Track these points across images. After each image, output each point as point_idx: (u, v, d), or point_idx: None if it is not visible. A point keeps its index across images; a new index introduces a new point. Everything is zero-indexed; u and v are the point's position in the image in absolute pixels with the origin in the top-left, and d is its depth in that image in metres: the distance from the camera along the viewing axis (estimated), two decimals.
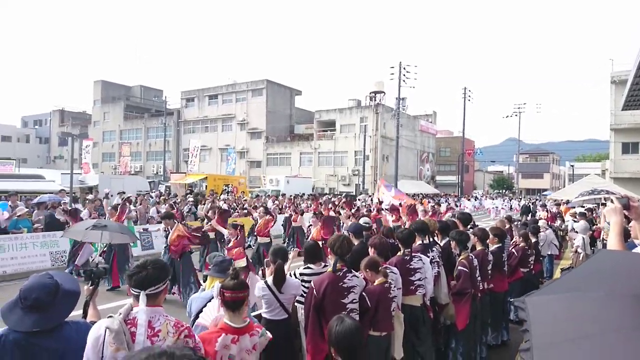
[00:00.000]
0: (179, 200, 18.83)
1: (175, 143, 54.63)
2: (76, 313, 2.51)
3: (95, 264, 3.24)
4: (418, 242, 4.96)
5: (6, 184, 15.17)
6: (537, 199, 40.07)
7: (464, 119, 46.96)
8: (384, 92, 45.29)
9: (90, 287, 2.82)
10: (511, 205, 33.77)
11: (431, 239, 5.35)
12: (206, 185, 28.09)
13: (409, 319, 4.28)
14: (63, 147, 62.66)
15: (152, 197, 18.69)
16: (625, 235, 3.76)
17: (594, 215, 12.17)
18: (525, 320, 1.02)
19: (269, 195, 26.98)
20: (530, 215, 16.29)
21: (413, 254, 4.49)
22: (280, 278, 3.45)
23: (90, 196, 14.72)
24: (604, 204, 2.08)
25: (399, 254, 4.52)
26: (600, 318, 0.94)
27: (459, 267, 4.84)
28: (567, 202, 16.70)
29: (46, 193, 13.57)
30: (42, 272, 2.43)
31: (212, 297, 3.01)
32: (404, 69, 36.59)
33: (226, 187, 27.82)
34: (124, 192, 16.17)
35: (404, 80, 36.57)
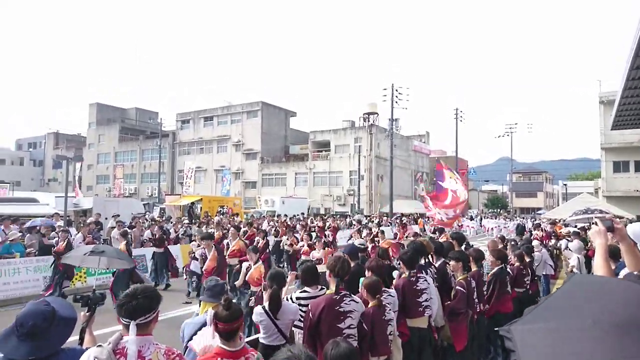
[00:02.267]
0: (174, 222, 18.73)
1: (170, 165, 54.60)
2: (72, 339, 2.50)
3: (93, 289, 3.23)
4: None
5: (0, 208, 15.05)
6: (532, 218, 40.14)
7: (457, 139, 47.52)
8: (377, 113, 45.83)
9: (87, 313, 2.81)
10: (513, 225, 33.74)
11: (426, 260, 5.39)
12: (201, 207, 27.96)
13: (417, 342, 4.26)
14: (57, 169, 62.39)
15: (147, 220, 18.58)
16: (616, 254, 3.82)
17: (587, 234, 12.25)
18: (514, 351, 1.02)
19: (264, 215, 26.89)
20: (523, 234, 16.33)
21: (418, 275, 4.49)
22: (275, 304, 3.43)
23: (91, 219, 14.61)
24: (596, 224, 2.11)
25: (403, 275, 4.51)
26: (590, 349, 0.95)
27: (457, 287, 4.86)
28: (561, 220, 16.80)
29: (40, 217, 13.47)
30: (36, 297, 2.44)
31: (205, 323, 3.00)
32: (396, 90, 37.13)
33: (221, 209, 27.70)
34: (118, 215, 16.07)
35: (396, 102, 37.07)
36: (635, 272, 2.03)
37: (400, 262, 4.66)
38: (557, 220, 18.95)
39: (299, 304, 3.80)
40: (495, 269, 5.79)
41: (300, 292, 3.98)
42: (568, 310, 1.11)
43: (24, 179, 61.94)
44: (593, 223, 2.20)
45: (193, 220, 21.08)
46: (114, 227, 13.60)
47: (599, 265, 2.06)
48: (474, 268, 5.41)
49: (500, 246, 7.80)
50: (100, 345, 2.13)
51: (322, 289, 4.06)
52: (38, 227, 11.57)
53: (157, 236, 11.91)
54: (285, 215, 24.46)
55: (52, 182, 64.27)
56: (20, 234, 10.98)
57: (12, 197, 20.74)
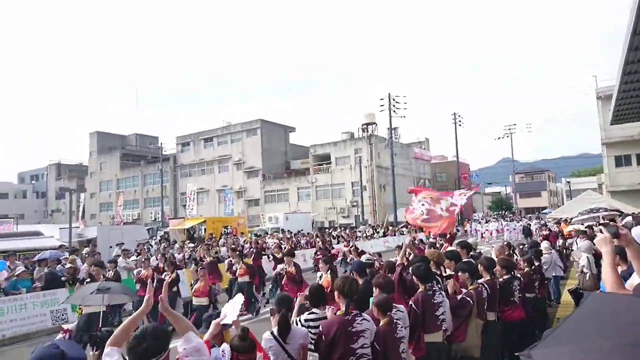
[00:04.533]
0: (178, 246, 18.70)
1: (173, 188, 54.76)
2: None
3: (99, 328, 3.20)
4: None
5: (5, 243, 15.04)
6: (536, 218, 39.92)
7: (457, 144, 47.55)
8: (375, 123, 46.05)
9: (96, 353, 2.79)
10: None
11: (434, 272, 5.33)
12: (205, 229, 27.94)
13: (434, 357, 4.23)
14: (60, 200, 62.68)
15: (152, 246, 18.54)
16: (624, 255, 3.77)
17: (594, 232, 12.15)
18: None
19: (267, 232, 26.83)
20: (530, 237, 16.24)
21: (434, 289, 4.46)
22: (284, 328, 3.38)
23: (85, 249, 14.57)
24: (601, 231, 2.11)
25: (420, 290, 4.46)
26: None
27: (464, 296, 4.82)
28: (566, 220, 16.72)
29: (45, 250, 13.46)
30: (43, 332, 2.42)
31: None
32: (394, 99, 37.40)
33: (225, 229, 27.68)
34: (122, 243, 16.05)
35: (394, 111, 37.31)
36: None
37: (415, 277, 4.61)
38: (562, 220, 18.84)
39: (308, 326, 3.74)
40: (501, 279, 5.73)
41: (308, 313, 3.93)
42: (586, 333, 1.11)
43: (27, 212, 62.12)
44: (599, 230, 2.19)
45: (196, 243, 21.03)
46: (119, 256, 13.56)
47: (607, 275, 2.05)
48: (486, 277, 5.33)
49: (506, 252, 7.73)
50: None
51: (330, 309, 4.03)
52: (47, 261, 11.56)
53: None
54: (289, 232, 24.40)
55: (56, 212, 64.47)
56: (26, 269, 10.95)
57: (16, 232, 20.73)
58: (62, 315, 10.08)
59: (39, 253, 13.25)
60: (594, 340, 1.05)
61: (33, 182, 72.61)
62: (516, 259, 7.29)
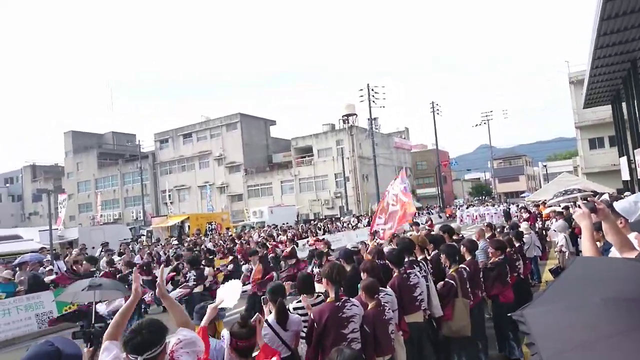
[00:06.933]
0: (162, 244, 18.52)
1: (153, 186, 53.93)
2: None
3: (92, 324, 3.20)
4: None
5: None
6: (513, 203, 40.86)
7: (436, 132, 48.03)
8: (356, 114, 46.19)
9: (90, 349, 2.79)
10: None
11: (416, 256, 5.47)
12: (189, 226, 27.71)
13: (417, 337, 4.34)
14: (37, 202, 61.03)
15: (137, 244, 18.30)
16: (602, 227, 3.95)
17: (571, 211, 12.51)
18: (528, 333, 1.06)
19: (252, 227, 26.80)
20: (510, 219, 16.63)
21: (409, 271, 4.57)
22: (283, 316, 3.46)
23: (75, 251, 14.33)
24: (579, 206, 2.22)
25: (395, 274, 4.58)
26: (603, 323, 0.99)
27: (447, 279, 4.97)
28: (544, 202, 17.19)
29: (26, 253, 13.17)
30: (29, 336, 2.42)
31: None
32: (373, 90, 37.53)
33: (209, 225, 27.53)
34: (107, 243, 15.82)
35: (373, 101, 37.45)
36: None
37: (389, 262, 4.74)
38: (540, 202, 19.36)
39: (297, 314, 3.82)
40: (496, 259, 5.89)
41: (297, 302, 4.01)
42: (575, 291, 1.15)
43: (3, 216, 60.40)
44: (577, 206, 2.29)
45: (182, 241, 20.86)
46: (103, 257, 13.38)
47: (587, 247, 2.15)
48: (468, 258, 5.49)
49: (488, 234, 7.93)
50: None
51: (317, 296, 4.11)
52: (29, 263, 11.32)
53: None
54: (275, 225, 24.42)
55: (34, 215, 62.81)
56: (7, 271, 10.71)
57: None
58: (48, 317, 9.92)
59: (18, 257, 12.97)
60: (583, 297, 1.10)
61: (7, 185, 70.45)
62: None
